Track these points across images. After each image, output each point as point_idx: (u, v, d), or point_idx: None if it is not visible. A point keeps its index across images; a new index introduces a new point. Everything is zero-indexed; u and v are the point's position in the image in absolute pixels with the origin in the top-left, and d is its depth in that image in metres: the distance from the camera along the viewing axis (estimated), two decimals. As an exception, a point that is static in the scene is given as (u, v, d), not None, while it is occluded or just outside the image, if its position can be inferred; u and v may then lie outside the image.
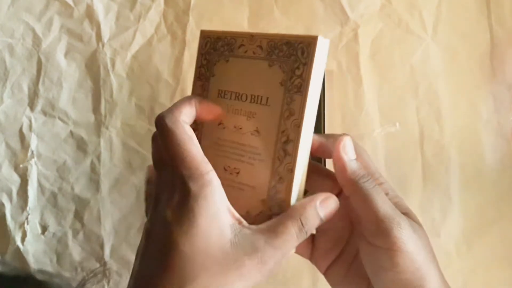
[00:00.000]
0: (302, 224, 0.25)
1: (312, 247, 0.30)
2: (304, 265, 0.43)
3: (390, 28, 0.44)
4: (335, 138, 0.28)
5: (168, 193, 0.25)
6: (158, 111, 0.45)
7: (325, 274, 0.30)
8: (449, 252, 0.42)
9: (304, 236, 0.25)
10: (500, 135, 0.42)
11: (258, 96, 0.28)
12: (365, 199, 0.25)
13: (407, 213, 0.27)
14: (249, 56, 0.28)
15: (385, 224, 0.25)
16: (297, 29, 0.45)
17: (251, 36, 0.29)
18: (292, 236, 0.24)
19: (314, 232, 0.26)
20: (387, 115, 0.43)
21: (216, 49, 0.30)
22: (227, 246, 0.23)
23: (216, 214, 0.24)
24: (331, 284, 0.30)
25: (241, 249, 0.23)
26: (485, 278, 0.41)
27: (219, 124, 0.30)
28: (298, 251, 0.29)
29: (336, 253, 0.29)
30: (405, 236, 0.24)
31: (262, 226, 0.25)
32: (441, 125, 0.43)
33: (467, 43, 0.43)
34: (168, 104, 0.45)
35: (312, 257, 0.30)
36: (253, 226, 0.25)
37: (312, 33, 0.45)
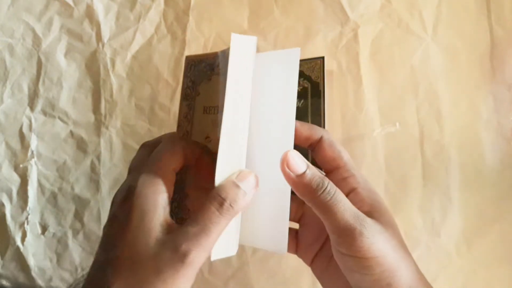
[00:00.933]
0: (222, 198, 0.25)
1: (296, 241, 0.31)
2: (304, 265, 0.43)
3: (390, 28, 0.44)
4: (310, 127, 0.29)
5: (121, 192, 0.27)
6: (158, 111, 0.45)
7: (310, 266, 0.31)
8: (449, 252, 0.41)
9: (230, 211, 0.25)
10: (500, 135, 0.42)
11: None
12: (324, 212, 0.25)
13: (375, 208, 0.27)
14: (224, 72, 0.30)
15: (346, 235, 0.25)
16: (297, 29, 0.45)
17: (224, 53, 0.30)
18: (213, 213, 0.24)
19: (242, 205, 0.26)
20: (387, 115, 0.43)
21: (200, 70, 0.33)
22: (152, 243, 0.24)
23: (149, 212, 0.24)
24: (316, 276, 0.31)
25: (163, 244, 0.24)
26: (485, 278, 0.41)
27: (206, 137, 0.31)
28: None
29: (318, 246, 0.30)
30: (367, 243, 0.24)
31: (188, 220, 0.25)
32: (441, 125, 0.43)
33: (467, 43, 0.43)
34: (168, 104, 0.45)
35: (297, 251, 0.32)
36: (183, 224, 0.25)
37: (312, 33, 0.45)
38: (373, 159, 0.43)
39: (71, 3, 0.47)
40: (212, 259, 0.26)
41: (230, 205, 0.25)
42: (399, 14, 0.44)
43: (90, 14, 0.47)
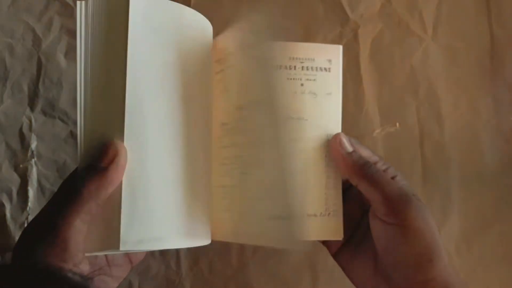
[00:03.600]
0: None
1: None
2: (304, 265, 0.43)
3: (390, 28, 0.44)
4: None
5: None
6: (158, 111, 0.45)
7: (334, 255, 0.32)
8: (449, 252, 0.42)
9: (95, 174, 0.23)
10: (500, 135, 0.42)
11: None
12: (372, 184, 0.27)
13: (414, 195, 0.28)
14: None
15: (395, 203, 0.26)
16: (297, 29, 0.45)
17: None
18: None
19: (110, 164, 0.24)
20: (387, 115, 0.43)
21: None
22: None
23: None
24: (340, 264, 0.32)
25: None
26: (485, 278, 0.41)
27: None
28: None
29: (347, 236, 0.31)
30: (414, 213, 0.26)
31: None
32: (441, 125, 0.43)
33: (467, 43, 0.43)
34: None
35: (325, 241, 0.32)
36: None
37: (312, 33, 0.45)
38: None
39: (71, 3, 0.47)
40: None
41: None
42: (399, 14, 0.44)
43: (90, 14, 0.47)
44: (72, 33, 0.47)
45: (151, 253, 0.44)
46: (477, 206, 0.42)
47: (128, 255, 0.30)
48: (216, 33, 0.46)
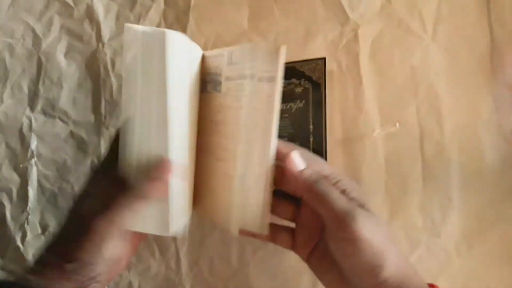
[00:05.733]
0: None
1: (292, 239, 0.34)
2: (304, 265, 0.43)
3: (390, 28, 0.44)
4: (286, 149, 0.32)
5: None
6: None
7: (307, 261, 0.34)
8: (449, 252, 0.42)
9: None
10: (500, 135, 0.42)
11: None
12: (321, 200, 0.29)
13: (363, 205, 0.30)
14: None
15: (342, 219, 0.28)
16: (297, 29, 0.45)
17: None
18: None
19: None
20: (387, 115, 0.43)
21: None
22: None
23: None
24: (312, 270, 0.34)
25: None
26: (485, 278, 0.41)
27: None
28: (281, 243, 0.34)
29: (313, 243, 0.33)
30: (360, 226, 0.28)
31: None
32: (441, 125, 0.43)
33: (467, 43, 0.43)
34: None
35: (293, 248, 0.34)
36: None
37: (312, 33, 0.45)
38: (373, 159, 0.43)
39: (71, 3, 0.47)
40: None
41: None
42: (399, 14, 0.44)
43: (90, 14, 0.47)
44: (72, 33, 0.47)
45: (152, 254, 0.44)
46: (477, 206, 0.42)
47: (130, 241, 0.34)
48: (216, 33, 0.46)
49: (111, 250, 0.29)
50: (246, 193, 0.32)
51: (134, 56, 0.30)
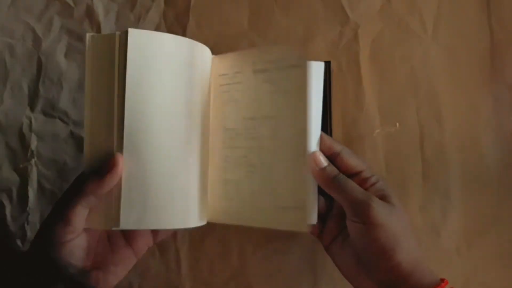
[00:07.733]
0: None
1: (322, 227, 0.38)
2: (304, 265, 0.43)
3: (390, 28, 0.44)
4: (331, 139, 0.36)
5: None
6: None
7: (326, 248, 0.38)
8: (449, 252, 0.42)
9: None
10: (500, 135, 0.42)
11: None
12: (340, 192, 0.34)
13: (386, 195, 0.34)
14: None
15: (357, 206, 0.33)
16: (297, 29, 0.45)
17: None
18: None
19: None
20: (387, 115, 0.43)
21: None
22: None
23: None
24: (330, 255, 0.37)
25: None
26: (485, 278, 0.41)
27: None
28: (312, 230, 0.37)
29: (338, 231, 0.37)
30: (374, 213, 0.32)
31: None
32: (441, 125, 0.43)
33: (467, 43, 0.43)
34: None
35: (320, 235, 0.38)
36: None
37: (312, 33, 0.45)
38: (373, 159, 0.43)
39: (71, 3, 0.47)
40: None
41: None
42: (399, 14, 0.44)
43: (90, 14, 0.47)
44: (72, 33, 0.47)
45: (152, 254, 0.44)
46: (477, 206, 0.42)
47: (131, 247, 0.36)
48: (216, 33, 0.46)
49: (76, 250, 0.32)
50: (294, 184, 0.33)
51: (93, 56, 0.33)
